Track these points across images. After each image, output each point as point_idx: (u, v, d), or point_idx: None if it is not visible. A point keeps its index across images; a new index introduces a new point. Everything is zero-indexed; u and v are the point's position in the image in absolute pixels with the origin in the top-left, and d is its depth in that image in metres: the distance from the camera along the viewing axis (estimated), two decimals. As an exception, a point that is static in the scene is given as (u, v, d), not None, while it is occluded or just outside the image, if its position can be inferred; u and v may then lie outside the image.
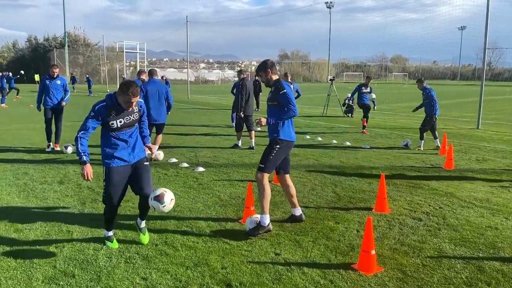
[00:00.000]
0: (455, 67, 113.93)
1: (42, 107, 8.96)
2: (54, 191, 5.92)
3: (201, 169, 7.30)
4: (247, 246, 4.09)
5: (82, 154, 3.67)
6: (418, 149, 9.57)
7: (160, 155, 8.15)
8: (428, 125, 9.76)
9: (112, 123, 3.73)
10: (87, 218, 4.79)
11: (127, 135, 3.88)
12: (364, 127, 12.41)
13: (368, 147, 9.84)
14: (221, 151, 9.18)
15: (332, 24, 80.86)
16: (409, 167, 7.71)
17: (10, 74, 28.33)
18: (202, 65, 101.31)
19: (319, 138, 11.06)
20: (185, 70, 55.29)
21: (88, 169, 3.68)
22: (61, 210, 5.10)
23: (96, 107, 3.70)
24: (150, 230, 4.41)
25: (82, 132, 3.71)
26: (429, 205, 5.44)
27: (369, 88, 12.38)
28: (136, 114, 3.91)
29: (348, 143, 10.25)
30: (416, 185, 6.42)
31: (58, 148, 9.06)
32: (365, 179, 6.78)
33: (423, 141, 9.73)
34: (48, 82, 8.78)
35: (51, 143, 9.04)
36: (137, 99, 3.75)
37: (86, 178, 3.69)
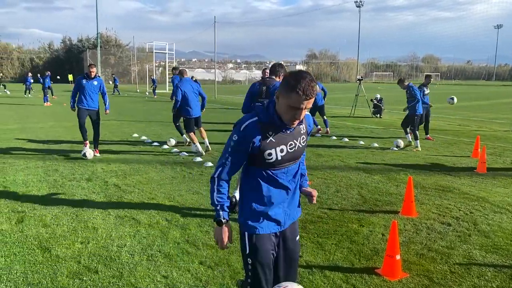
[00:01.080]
0: (490, 67, 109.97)
1: (76, 107, 8.24)
2: (81, 188, 6.07)
3: (225, 168, 7.31)
4: (268, 247, 4.04)
5: (219, 207, 2.26)
6: (416, 150, 9.32)
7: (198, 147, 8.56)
8: (416, 124, 9.49)
9: (270, 154, 2.17)
10: (112, 216, 4.88)
11: (288, 177, 2.29)
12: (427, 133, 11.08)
13: (397, 149, 9.59)
14: (246, 151, 9.16)
15: (361, 23, 79.41)
16: (439, 169, 7.46)
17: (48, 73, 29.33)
18: (230, 65, 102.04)
19: (346, 139, 10.88)
20: (213, 71, 55.67)
21: (225, 233, 2.26)
22: (87, 207, 5.21)
23: (243, 126, 2.16)
24: (172, 229, 4.45)
25: (219, 170, 2.25)
26: (459, 210, 5.23)
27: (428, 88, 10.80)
28: (303, 138, 2.28)
29: (375, 144, 10.03)
30: (446, 188, 6.20)
31: (98, 154, 8.34)
32: (392, 181, 6.60)
33: (418, 141, 9.45)
34: (85, 82, 8.10)
35: (88, 142, 8.35)
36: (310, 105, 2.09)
37: (221, 245, 2.31)
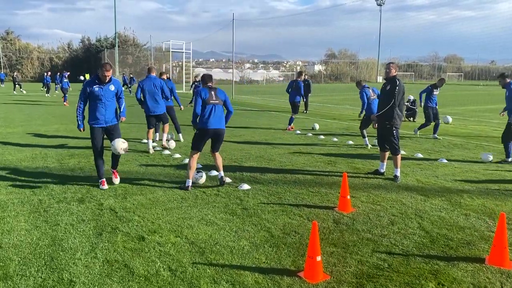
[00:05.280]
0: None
1: (86, 127, 6.11)
2: (70, 213, 4.89)
3: (246, 186, 6.05)
4: (315, 327, 2.75)
5: None
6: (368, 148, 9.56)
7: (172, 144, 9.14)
8: (367, 124, 9.58)
9: None
10: (99, 260, 3.66)
11: None
12: None
13: (445, 160, 8.17)
14: (269, 162, 7.88)
15: (382, 23, 76.73)
16: (509, 191, 6.03)
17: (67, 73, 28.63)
18: (247, 65, 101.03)
19: (383, 148, 9.47)
20: (230, 71, 54.51)
21: None
22: (70, 243, 4.01)
23: None
24: (177, 286, 3.20)
25: None
26: None
27: None
28: None
29: (420, 155, 8.61)
30: (532, 220, 4.79)
31: (117, 179, 6.17)
32: (457, 208, 5.22)
33: (366, 139, 9.75)
34: (97, 89, 5.80)
35: (104, 179, 6.04)
36: None
37: None
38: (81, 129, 6.11)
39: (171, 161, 7.94)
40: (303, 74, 14.01)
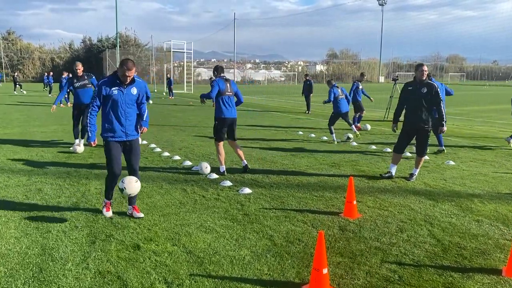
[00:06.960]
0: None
1: (102, 140, 4.71)
2: (62, 219, 4.67)
3: (247, 190, 5.83)
4: None
5: None
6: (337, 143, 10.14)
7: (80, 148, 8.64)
8: (334, 121, 10.50)
9: None
10: (91, 271, 3.43)
11: None
12: None
13: (452, 162, 7.93)
14: (270, 164, 7.66)
15: (384, 23, 76.36)
16: (522, 195, 5.79)
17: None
18: (249, 65, 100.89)
19: (388, 149, 9.25)
20: (232, 71, 54.36)
21: None
22: (61, 252, 3.79)
23: None
24: (172, 301, 2.98)
25: None
26: None
27: None
28: None
29: (426, 157, 8.36)
30: (548, 227, 4.55)
31: (140, 214, 4.79)
32: (468, 213, 4.99)
33: (333, 134, 10.37)
34: (116, 92, 4.46)
35: (111, 201, 4.83)
36: None
37: None
38: (93, 143, 4.77)
39: (170, 163, 7.72)
40: (365, 76, 14.26)
